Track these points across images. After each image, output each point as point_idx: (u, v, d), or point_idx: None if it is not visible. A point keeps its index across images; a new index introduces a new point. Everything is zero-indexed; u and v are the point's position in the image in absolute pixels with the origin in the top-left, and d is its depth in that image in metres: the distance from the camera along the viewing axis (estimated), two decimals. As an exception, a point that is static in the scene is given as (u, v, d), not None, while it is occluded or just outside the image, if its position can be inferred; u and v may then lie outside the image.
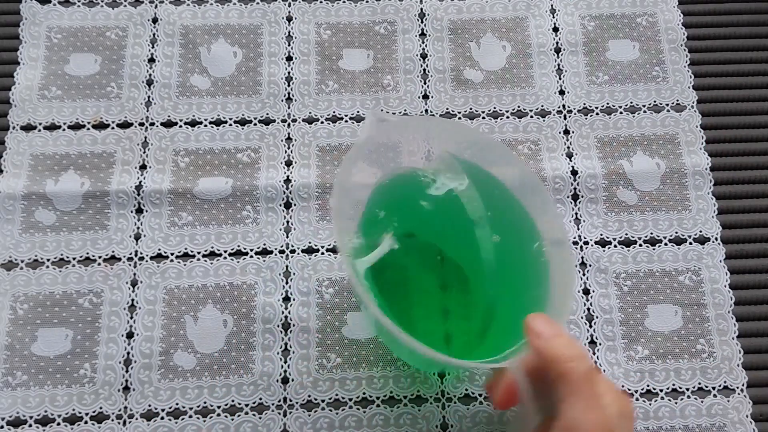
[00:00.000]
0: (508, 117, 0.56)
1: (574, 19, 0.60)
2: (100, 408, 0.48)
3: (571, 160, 0.55)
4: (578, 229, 0.53)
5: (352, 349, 0.50)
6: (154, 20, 0.59)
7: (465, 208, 0.42)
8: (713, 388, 0.49)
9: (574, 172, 0.54)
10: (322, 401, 0.48)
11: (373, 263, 0.39)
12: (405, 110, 0.56)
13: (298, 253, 0.52)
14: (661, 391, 0.49)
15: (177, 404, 0.48)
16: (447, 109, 0.57)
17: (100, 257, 0.52)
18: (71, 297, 0.51)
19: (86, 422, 0.48)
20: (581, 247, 0.53)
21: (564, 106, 0.57)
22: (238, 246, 0.52)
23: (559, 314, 0.38)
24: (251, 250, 0.52)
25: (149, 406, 0.48)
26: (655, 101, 0.57)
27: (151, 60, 0.58)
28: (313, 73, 0.58)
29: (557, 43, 0.59)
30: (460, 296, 0.44)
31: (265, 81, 0.57)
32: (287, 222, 0.53)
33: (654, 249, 0.53)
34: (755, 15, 0.60)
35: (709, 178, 0.54)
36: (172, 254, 0.52)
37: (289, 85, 0.57)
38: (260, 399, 0.48)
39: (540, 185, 0.43)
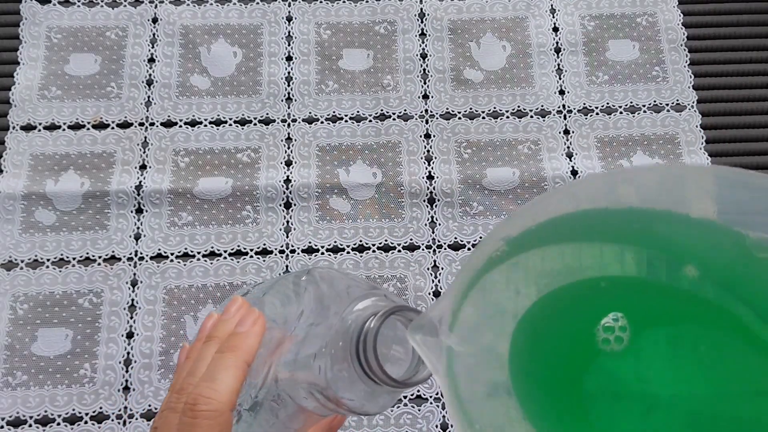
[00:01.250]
0: (508, 117, 0.56)
1: (574, 19, 0.60)
2: (100, 408, 0.48)
3: (571, 160, 0.55)
4: (578, 229, 0.53)
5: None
6: (154, 20, 0.59)
7: None
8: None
9: (574, 172, 0.54)
10: (322, 401, 0.48)
11: None
12: (405, 110, 0.56)
13: (298, 253, 0.52)
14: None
15: (177, 404, 0.48)
16: (447, 109, 0.57)
17: (100, 257, 0.52)
18: (71, 297, 0.51)
19: (86, 422, 0.48)
20: (581, 247, 0.53)
21: (564, 106, 0.57)
22: (238, 246, 0.52)
23: None
24: (251, 250, 0.52)
25: (149, 406, 0.48)
26: (655, 101, 0.57)
27: (151, 60, 0.58)
28: (313, 73, 0.58)
29: (557, 43, 0.59)
30: None
31: (265, 81, 0.57)
32: (287, 222, 0.53)
33: (654, 249, 0.53)
34: (755, 15, 0.60)
35: (709, 178, 0.54)
36: (172, 254, 0.52)
37: (289, 85, 0.57)
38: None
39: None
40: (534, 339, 0.23)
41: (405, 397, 0.49)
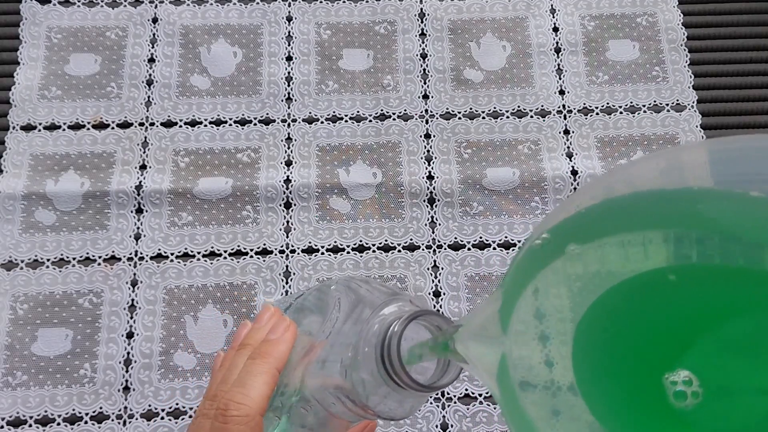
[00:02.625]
0: (508, 117, 0.56)
1: (574, 19, 0.60)
2: (100, 408, 0.48)
3: (571, 160, 0.55)
4: (578, 229, 0.53)
5: (352, 349, 0.50)
6: (154, 20, 0.59)
7: None
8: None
9: (574, 172, 0.54)
10: (322, 401, 0.48)
11: None
12: (405, 110, 0.56)
13: (298, 253, 0.52)
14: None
15: (177, 404, 0.48)
16: (447, 109, 0.57)
17: (100, 257, 0.52)
18: (71, 297, 0.51)
19: (86, 422, 0.48)
20: (581, 247, 0.53)
21: (564, 106, 0.57)
22: (238, 246, 0.52)
23: None
24: (251, 250, 0.52)
25: (149, 406, 0.48)
26: (655, 101, 0.57)
27: (151, 60, 0.58)
28: (313, 73, 0.58)
29: (557, 43, 0.59)
30: None
31: (265, 81, 0.57)
32: (287, 222, 0.53)
33: (654, 249, 0.52)
34: (755, 15, 0.60)
35: (709, 178, 0.54)
36: (172, 254, 0.52)
37: (289, 85, 0.57)
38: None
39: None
40: (608, 338, 0.21)
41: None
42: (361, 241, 0.53)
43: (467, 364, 0.24)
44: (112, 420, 0.48)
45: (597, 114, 0.57)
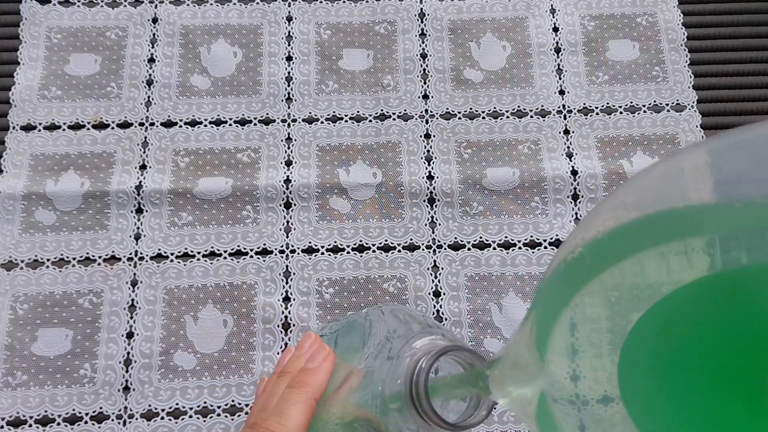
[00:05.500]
0: (508, 117, 0.56)
1: (574, 19, 0.60)
2: (100, 408, 0.48)
3: (571, 160, 0.55)
4: (578, 229, 0.53)
5: (352, 349, 0.50)
6: (154, 20, 0.59)
7: None
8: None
9: (574, 172, 0.54)
10: (322, 401, 0.48)
11: None
12: (405, 110, 0.56)
13: (298, 253, 0.52)
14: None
15: (177, 404, 0.48)
16: (447, 109, 0.57)
17: (100, 257, 0.52)
18: (71, 297, 0.51)
19: (86, 422, 0.48)
20: (581, 247, 0.53)
21: (564, 106, 0.57)
22: (238, 246, 0.52)
23: None
24: (251, 250, 0.52)
25: (149, 406, 0.48)
26: (655, 101, 0.57)
27: (151, 60, 0.58)
28: (313, 73, 0.58)
29: (557, 43, 0.59)
30: None
31: (265, 81, 0.57)
32: (287, 222, 0.53)
33: (654, 249, 0.52)
34: (755, 15, 0.60)
35: (709, 178, 0.54)
36: (172, 254, 0.52)
37: (289, 85, 0.57)
38: (260, 399, 0.48)
39: None
40: (674, 352, 0.19)
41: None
42: (361, 241, 0.53)
43: (505, 402, 0.23)
44: (112, 420, 0.48)
45: (597, 114, 0.57)
